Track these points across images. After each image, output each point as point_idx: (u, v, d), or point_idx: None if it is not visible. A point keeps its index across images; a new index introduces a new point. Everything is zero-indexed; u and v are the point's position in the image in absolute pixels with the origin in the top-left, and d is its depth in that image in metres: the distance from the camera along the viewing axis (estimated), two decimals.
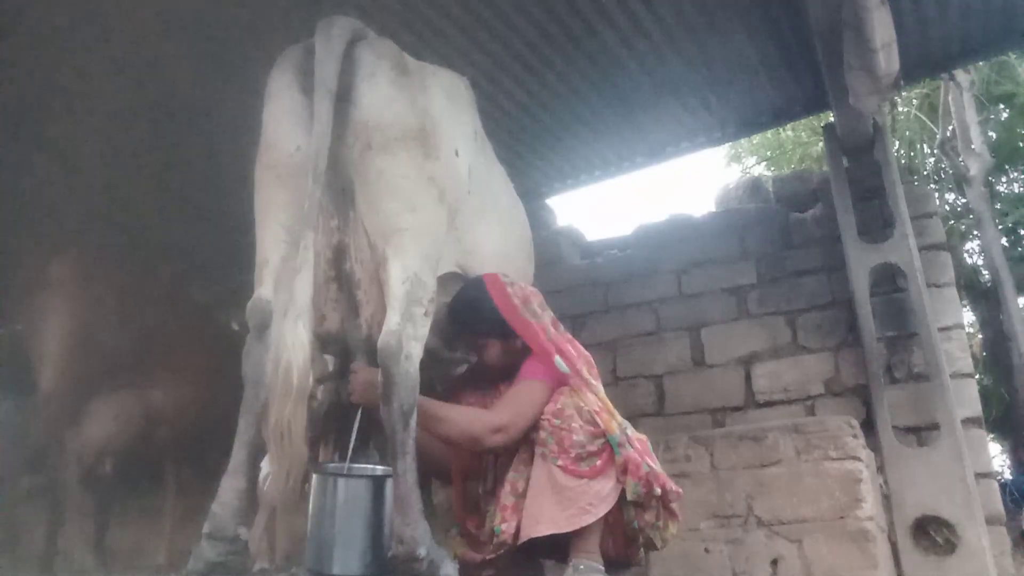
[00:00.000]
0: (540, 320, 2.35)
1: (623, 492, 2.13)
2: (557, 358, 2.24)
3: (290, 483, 1.89)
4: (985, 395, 7.07)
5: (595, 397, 2.20)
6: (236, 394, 2.15)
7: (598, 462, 2.11)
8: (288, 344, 1.94)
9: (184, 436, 4.74)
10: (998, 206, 10.39)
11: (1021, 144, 10.57)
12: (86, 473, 4.37)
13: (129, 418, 4.48)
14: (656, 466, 2.17)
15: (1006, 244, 10.19)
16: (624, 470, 2.10)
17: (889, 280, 4.66)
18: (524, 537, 2.16)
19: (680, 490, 2.25)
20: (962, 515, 3.97)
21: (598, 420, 2.12)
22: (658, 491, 2.13)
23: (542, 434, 2.16)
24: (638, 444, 2.16)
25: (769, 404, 4.86)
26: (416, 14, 3.98)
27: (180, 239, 5.79)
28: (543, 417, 2.18)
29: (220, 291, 6.10)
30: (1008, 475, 9.11)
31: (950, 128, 9.97)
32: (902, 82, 4.10)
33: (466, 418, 2.24)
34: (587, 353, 2.36)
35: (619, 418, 2.18)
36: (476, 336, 2.38)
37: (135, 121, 4.57)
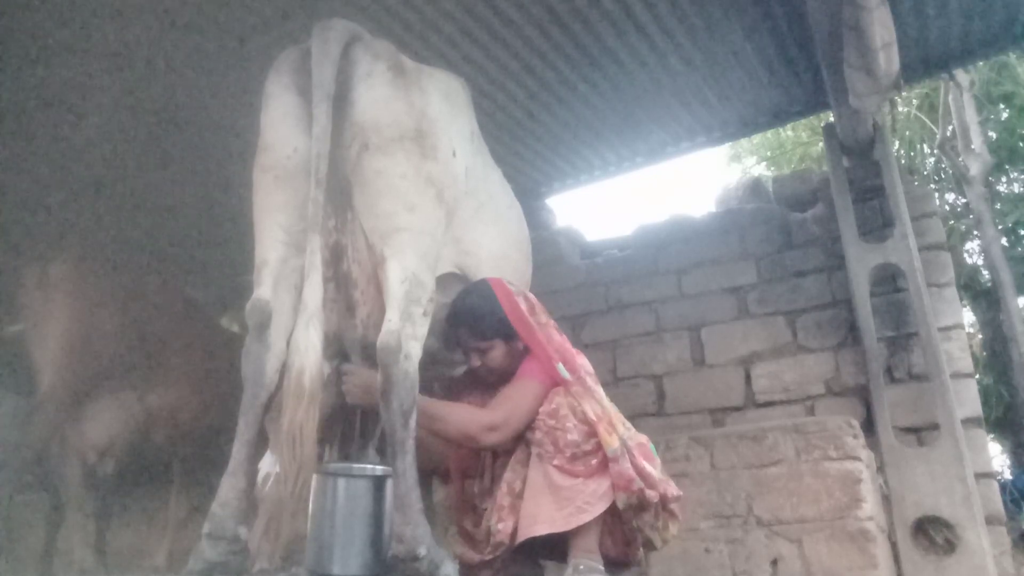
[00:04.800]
0: (545, 327, 2.36)
1: None
2: (559, 364, 2.25)
3: (298, 485, 1.89)
4: (985, 395, 7.07)
5: (598, 406, 2.19)
6: (237, 394, 2.15)
7: (594, 461, 2.11)
8: (301, 348, 1.95)
9: (185, 436, 4.74)
10: (998, 206, 10.37)
11: (1021, 144, 10.56)
12: (87, 473, 4.37)
13: (130, 419, 4.48)
14: (656, 471, 2.15)
15: (1006, 244, 10.16)
16: (616, 485, 2.09)
17: (889, 280, 4.66)
18: (522, 537, 2.16)
19: (681, 493, 2.24)
20: (962, 515, 3.96)
21: (596, 429, 2.11)
22: (654, 498, 2.12)
23: (538, 434, 2.17)
24: (638, 451, 2.14)
25: (769, 404, 4.86)
26: (416, 14, 3.98)
27: (181, 240, 5.79)
28: (538, 417, 2.18)
29: (221, 292, 6.11)
30: (1008, 475, 9.09)
31: (950, 128, 9.96)
32: (902, 82, 4.10)
33: (462, 416, 2.24)
34: (588, 365, 2.36)
35: (621, 428, 2.16)
36: (480, 339, 2.37)
37: (135, 123, 4.58)
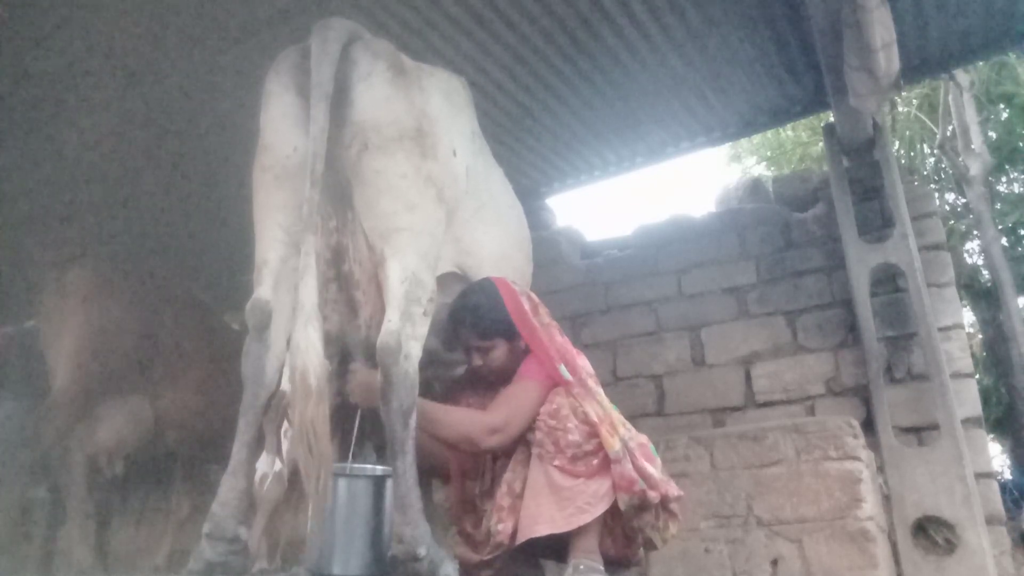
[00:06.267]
0: (547, 327, 2.36)
1: None
2: (561, 365, 2.24)
3: (321, 483, 1.89)
4: (985, 395, 7.07)
5: (599, 407, 2.18)
6: (240, 396, 2.16)
7: (595, 462, 2.10)
8: (302, 349, 1.94)
9: (193, 438, 4.74)
10: (998, 206, 10.37)
11: (1021, 144, 10.55)
12: (92, 475, 4.36)
13: (140, 422, 4.48)
14: (657, 471, 2.14)
15: (1006, 244, 10.16)
16: (618, 486, 2.09)
17: (889, 280, 4.67)
18: (523, 538, 2.15)
19: (681, 493, 2.24)
20: (962, 515, 3.97)
21: (598, 430, 2.11)
22: (655, 498, 2.11)
23: (538, 435, 2.16)
24: (639, 452, 2.13)
25: (769, 404, 4.87)
26: (416, 14, 3.98)
27: (191, 242, 5.78)
28: (539, 418, 2.18)
29: (230, 294, 6.11)
30: (1008, 475, 9.10)
31: (950, 128, 9.95)
32: (902, 82, 4.10)
33: (462, 419, 2.23)
34: (589, 366, 2.36)
35: (621, 430, 2.15)
36: (482, 338, 2.37)
37: (141, 124, 4.59)
